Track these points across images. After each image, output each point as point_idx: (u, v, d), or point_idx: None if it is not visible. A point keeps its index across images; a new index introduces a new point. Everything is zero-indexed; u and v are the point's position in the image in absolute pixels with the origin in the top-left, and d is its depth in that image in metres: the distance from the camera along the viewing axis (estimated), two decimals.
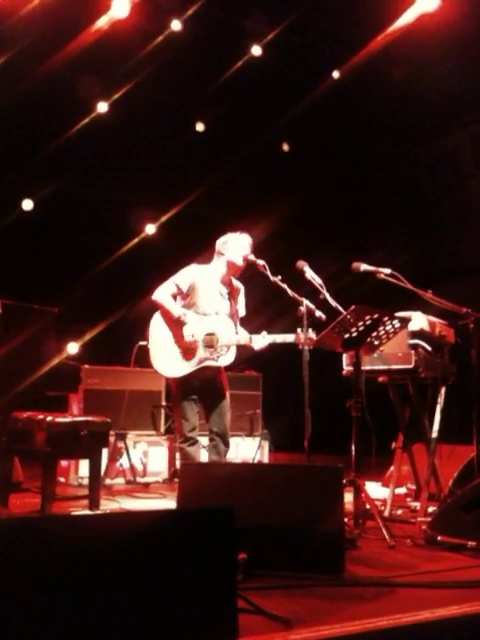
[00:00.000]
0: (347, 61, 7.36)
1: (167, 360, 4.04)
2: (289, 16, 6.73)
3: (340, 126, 8.20)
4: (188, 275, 4.15)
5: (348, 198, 9.20)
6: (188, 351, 4.01)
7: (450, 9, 6.56)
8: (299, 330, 3.79)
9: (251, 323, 4.34)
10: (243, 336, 4.10)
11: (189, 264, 4.23)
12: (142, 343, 4.42)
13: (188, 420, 4.02)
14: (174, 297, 4.14)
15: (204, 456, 4.37)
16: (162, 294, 4.10)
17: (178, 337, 4.04)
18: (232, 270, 4.17)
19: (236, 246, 4.14)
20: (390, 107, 8.10)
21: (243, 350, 4.13)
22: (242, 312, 4.28)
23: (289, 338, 3.91)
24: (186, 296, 4.12)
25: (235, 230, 4.27)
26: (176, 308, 4.08)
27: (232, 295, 4.22)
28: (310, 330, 3.80)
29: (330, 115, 7.99)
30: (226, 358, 4.04)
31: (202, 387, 4.06)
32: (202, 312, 4.07)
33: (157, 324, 4.11)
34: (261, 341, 4.03)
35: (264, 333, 4.04)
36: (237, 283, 4.29)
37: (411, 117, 8.38)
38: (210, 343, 4.01)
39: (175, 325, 4.05)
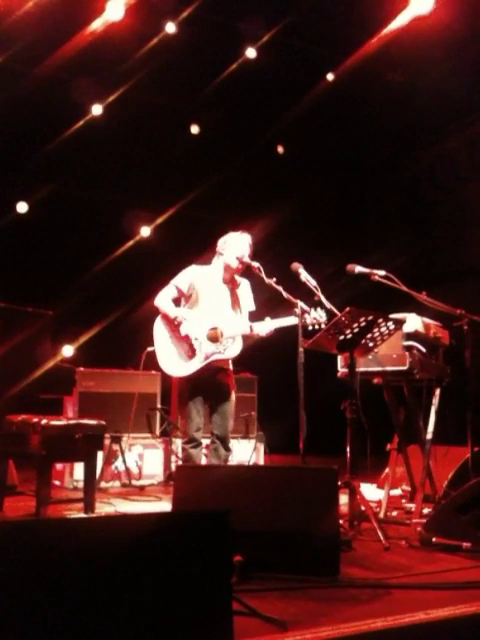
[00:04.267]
0: (343, 63, 7.37)
1: (174, 360, 4.06)
2: (284, 18, 6.74)
3: (338, 129, 8.21)
4: (187, 276, 4.18)
5: (346, 200, 9.21)
6: (192, 349, 4.03)
7: (445, 12, 6.58)
8: (300, 309, 3.82)
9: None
10: (245, 326, 4.10)
11: (186, 266, 4.25)
12: (150, 349, 4.44)
13: (193, 420, 4.02)
14: (177, 300, 4.19)
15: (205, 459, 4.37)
16: (162, 298, 4.15)
17: (180, 337, 4.07)
18: (230, 270, 4.19)
19: (233, 247, 4.15)
20: (388, 110, 8.11)
21: (249, 340, 4.13)
22: (250, 306, 4.26)
23: (292, 320, 3.92)
24: (188, 297, 4.16)
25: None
26: (173, 310, 4.11)
27: (234, 292, 4.22)
28: (319, 309, 3.84)
29: (327, 118, 7.99)
30: (233, 349, 4.05)
31: (209, 387, 4.06)
32: (205, 311, 4.09)
33: (160, 327, 4.14)
34: (264, 327, 4.04)
35: (267, 319, 4.06)
36: (240, 279, 4.28)
37: (408, 120, 8.41)
38: (214, 337, 4.03)
39: (176, 326, 4.08)
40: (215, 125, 8.06)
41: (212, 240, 4.30)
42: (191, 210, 7.90)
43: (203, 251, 4.45)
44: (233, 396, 4.14)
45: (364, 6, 6.51)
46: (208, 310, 4.09)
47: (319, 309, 3.87)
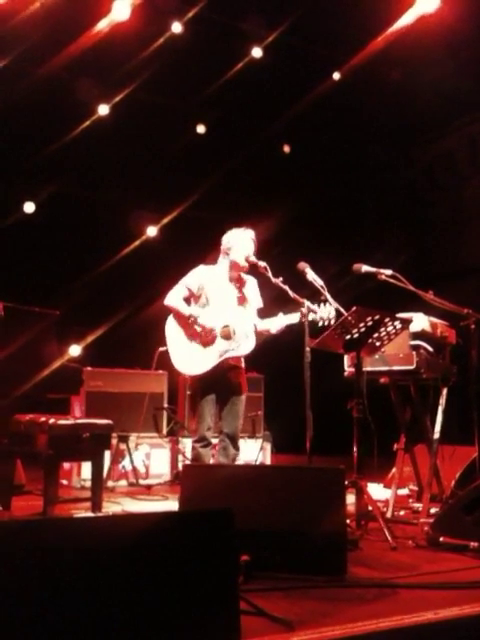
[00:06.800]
0: (345, 63, 7.36)
1: (188, 359, 4.06)
2: (287, 18, 6.73)
3: (338, 128, 8.20)
4: (196, 277, 4.20)
5: (346, 199, 9.20)
6: (207, 344, 4.04)
7: (447, 10, 6.56)
8: (307, 308, 3.81)
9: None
10: (256, 322, 4.10)
11: (191, 266, 4.26)
12: (162, 349, 4.44)
13: (204, 420, 4.02)
14: (188, 300, 4.20)
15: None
16: (173, 297, 4.16)
17: (194, 335, 4.08)
18: (237, 269, 4.19)
19: (238, 245, 4.16)
20: (387, 109, 8.10)
21: (260, 337, 4.12)
22: (258, 304, 4.27)
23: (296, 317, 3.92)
24: (198, 298, 4.18)
25: None
26: (186, 308, 4.13)
27: (241, 290, 4.23)
28: (328, 305, 3.82)
29: (328, 117, 7.99)
30: (246, 346, 4.04)
31: (221, 385, 4.06)
32: (215, 309, 4.10)
33: (172, 326, 4.16)
34: (275, 323, 4.03)
35: (280, 314, 4.05)
36: (247, 277, 4.28)
37: (408, 119, 8.39)
38: (227, 334, 4.03)
39: (189, 325, 4.09)
40: (217, 125, 8.07)
41: (216, 239, 4.31)
42: (195, 210, 7.91)
43: (207, 250, 4.45)
44: (244, 396, 4.14)
45: (368, 5, 6.48)
46: (218, 309, 4.10)
47: (328, 305, 3.85)
